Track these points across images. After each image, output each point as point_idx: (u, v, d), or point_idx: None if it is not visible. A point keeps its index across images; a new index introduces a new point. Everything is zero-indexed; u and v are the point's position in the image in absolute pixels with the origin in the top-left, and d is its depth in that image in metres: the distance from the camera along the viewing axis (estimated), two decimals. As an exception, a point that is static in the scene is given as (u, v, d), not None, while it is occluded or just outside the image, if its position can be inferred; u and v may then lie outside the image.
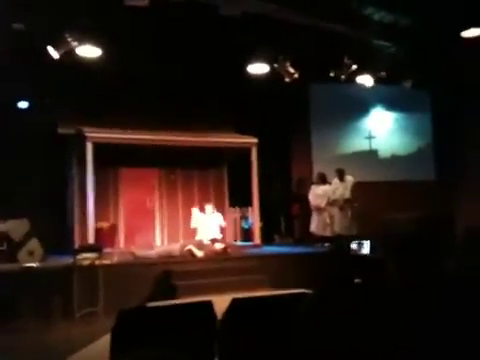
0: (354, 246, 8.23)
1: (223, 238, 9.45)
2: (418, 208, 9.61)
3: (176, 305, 2.95)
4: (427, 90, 11.21)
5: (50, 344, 5.58)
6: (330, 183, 10.08)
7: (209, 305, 2.82)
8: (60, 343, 5.61)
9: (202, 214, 9.33)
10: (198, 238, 9.06)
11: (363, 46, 8.25)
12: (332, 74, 8.61)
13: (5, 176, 8.23)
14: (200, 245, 8.75)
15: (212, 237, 9.09)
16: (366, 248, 7.99)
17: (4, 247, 7.98)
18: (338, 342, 2.91)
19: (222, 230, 9.44)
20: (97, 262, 7.47)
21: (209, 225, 9.23)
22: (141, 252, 8.56)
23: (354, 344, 2.92)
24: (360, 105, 11.32)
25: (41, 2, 6.65)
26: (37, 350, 5.30)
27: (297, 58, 8.34)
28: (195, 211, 9.37)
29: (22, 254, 7.79)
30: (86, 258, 7.64)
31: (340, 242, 9.19)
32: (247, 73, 8.68)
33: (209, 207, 9.35)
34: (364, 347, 2.89)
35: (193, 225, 9.30)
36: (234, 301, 2.86)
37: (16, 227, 8.07)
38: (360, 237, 8.91)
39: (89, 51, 7.49)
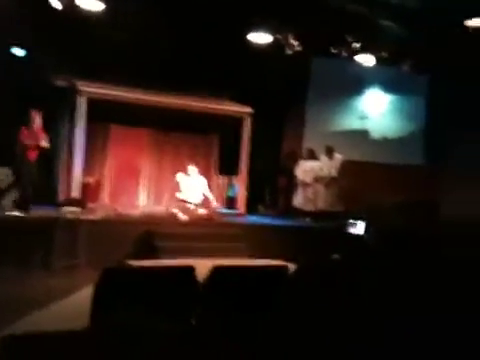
0: (348, 225, 8.38)
1: (207, 204, 9.47)
2: (404, 192, 9.81)
3: (159, 267, 2.99)
4: (425, 75, 11.19)
5: (29, 294, 5.61)
6: (319, 159, 10.14)
7: (191, 270, 2.87)
8: (39, 293, 5.65)
9: (186, 176, 9.19)
10: (180, 197, 8.97)
11: (368, 24, 8.18)
12: (334, 50, 8.55)
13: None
14: (184, 209, 8.80)
15: (194, 200, 8.97)
16: (360, 228, 8.12)
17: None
18: (314, 316, 3.01)
19: (204, 196, 9.30)
20: (81, 216, 7.51)
21: (192, 187, 9.07)
22: (125, 210, 8.60)
23: (329, 319, 3.01)
24: (357, 84, 11.28)
25: None
26: (16, 299, 5.31)
27: (301, 31, 8.26)
28: (179, 175, 9.24)
29: (6, 202, 7.78)
30: (70, 212, 7.69)
31: (335, 219, 9.30)
32: (249, 41, 8.58)
33: (193, 169, 9.12)
34: (337, 322, 2.99)
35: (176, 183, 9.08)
36: (216, 269, 2.91)
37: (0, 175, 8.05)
38: (344, 215, 9.07)
39: (92, 4, 7.35)
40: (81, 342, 2.25)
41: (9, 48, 8.81)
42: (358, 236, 7.94)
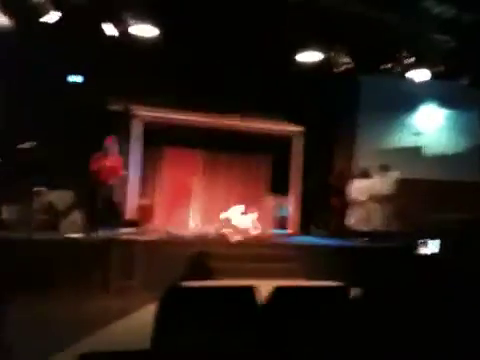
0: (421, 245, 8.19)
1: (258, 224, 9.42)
2: (463, 209, 9.44)
3: (220, 287, 2.97)
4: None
5: (86, 314, 5.71)
6: (372, 177, 9.93)
7: (252, 290, 2.83)
8: (96, 314, 5.75)
9: (237, 212, 9.20)
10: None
11: (421, 39, 8.01)
12: (387, 66, 8.40)
13: (53, 147, 8.43)
14: (235, 229, 8.79)
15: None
16: (435, 247, 7.90)
17: (47, 216, 8.26)
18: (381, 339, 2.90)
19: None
20: (135, 237, 7.62)
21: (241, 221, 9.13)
22: (178, 231, 8.68)
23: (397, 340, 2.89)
24: (410, 100, 11.03)
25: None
26: (73, 319, 5.41)
27: (352, 48, 8.18)
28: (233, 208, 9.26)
29: (64, 225, 8.00)
30: (125, 233, 7.82)
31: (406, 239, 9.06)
32: (298, 61, 8.59)
33: (241, 208, 9.24)
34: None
35: (223, 216, 9.18)
36: (277, 289, 2.86)
37: (60, 198, 8.33)
38: (402, 234, 8.80)
39: (145, 30, 7.56)
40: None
41: (66, 75, 9.17)
42: (424, 255, 7.67)
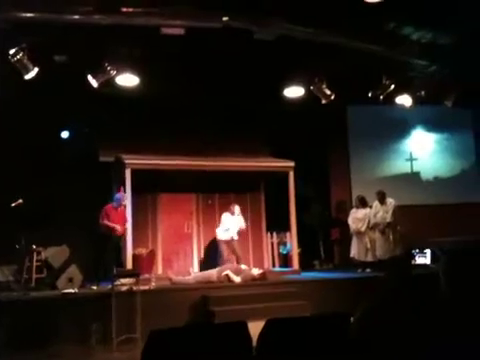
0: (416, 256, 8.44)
1: (261, 263, 9.29)
2: (464, 232, 9.33)
3: (210, 325, 2.86)
4: (469, 108, 10.91)
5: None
6: (370, 206, 9.84)
7: (244, 326, 2.72)
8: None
9: (231, 216, 9.34)
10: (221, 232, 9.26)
11: (401, 66, 8.10)
12: (370, 94, 8.45)
13: (47, 203, 8.41)
14: (237, 270, 8.63)
15: (233, 234, 9.23)
16: (427, 257, 7.83)
17: (44, 274, 8.15)
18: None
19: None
20: (135, 288, 7.46)
21: (233, 224, 9.30)
22: (178, 278, 8.52)
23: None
24: (400, 126, 11.12)
25: (81, 34, 6.85)
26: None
27: (333, 79, 8.26)
28: (226, 215, 9.40)
29: (61, 281, 7.87)
30: (124, 284, 7.65)
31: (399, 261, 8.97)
32: (283, 96, 8.66)
33: (237, 208, 9.34)
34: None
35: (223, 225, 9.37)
36: (269, 322, 2.75)
37: (56, 254, 8.24)
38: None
39: (127, 80, 7.66)
40: None
41: (57, 132, 9.26)
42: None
